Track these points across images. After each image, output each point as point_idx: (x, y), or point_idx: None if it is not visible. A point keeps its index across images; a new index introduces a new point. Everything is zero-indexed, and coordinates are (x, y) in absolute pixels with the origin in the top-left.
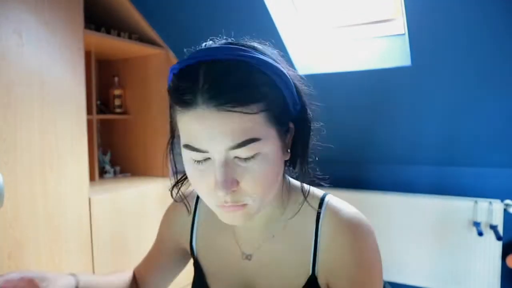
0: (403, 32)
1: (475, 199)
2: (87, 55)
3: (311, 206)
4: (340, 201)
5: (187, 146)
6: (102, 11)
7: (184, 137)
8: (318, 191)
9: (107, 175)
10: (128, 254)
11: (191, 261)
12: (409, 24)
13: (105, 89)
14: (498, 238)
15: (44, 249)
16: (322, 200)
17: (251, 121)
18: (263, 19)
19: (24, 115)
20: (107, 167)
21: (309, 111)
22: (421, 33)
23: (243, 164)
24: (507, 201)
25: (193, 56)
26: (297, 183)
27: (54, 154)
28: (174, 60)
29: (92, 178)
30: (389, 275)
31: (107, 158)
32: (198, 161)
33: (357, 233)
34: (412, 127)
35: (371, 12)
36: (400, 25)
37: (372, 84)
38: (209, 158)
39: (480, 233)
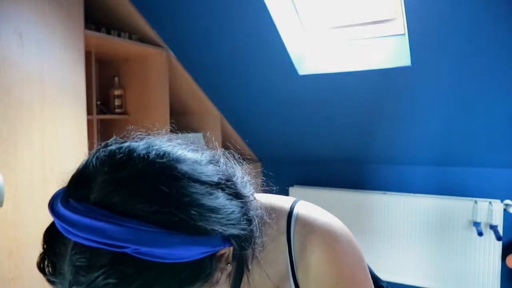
0: (403, 32)
1: (475, 199)
2: (87, 55)
3: (277, 230)
4: (310, 209)
5: None
6: (102, 11)
7: None
8: (284, 203)
9: None
10: None
11: None
12: (409, 24)
13: (105, 89)
14: (498, 238)
15: None
16: (290, 215)
17: None
18: (263, 20)
19: (24, 115)
20: None
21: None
22: (421, 33)
23: None
24: (507, 201)
25: (60, 216)
26: (268, 201)
27: (54, 154)
28: (174, 60)
29: None
30: (389, 275)
31: None
32: None
33: (330, 242)
34: (412, 127)
35: (371, 12)
36: (400, 25)
37: (372, 84)
38: None
39: (480, 233)
